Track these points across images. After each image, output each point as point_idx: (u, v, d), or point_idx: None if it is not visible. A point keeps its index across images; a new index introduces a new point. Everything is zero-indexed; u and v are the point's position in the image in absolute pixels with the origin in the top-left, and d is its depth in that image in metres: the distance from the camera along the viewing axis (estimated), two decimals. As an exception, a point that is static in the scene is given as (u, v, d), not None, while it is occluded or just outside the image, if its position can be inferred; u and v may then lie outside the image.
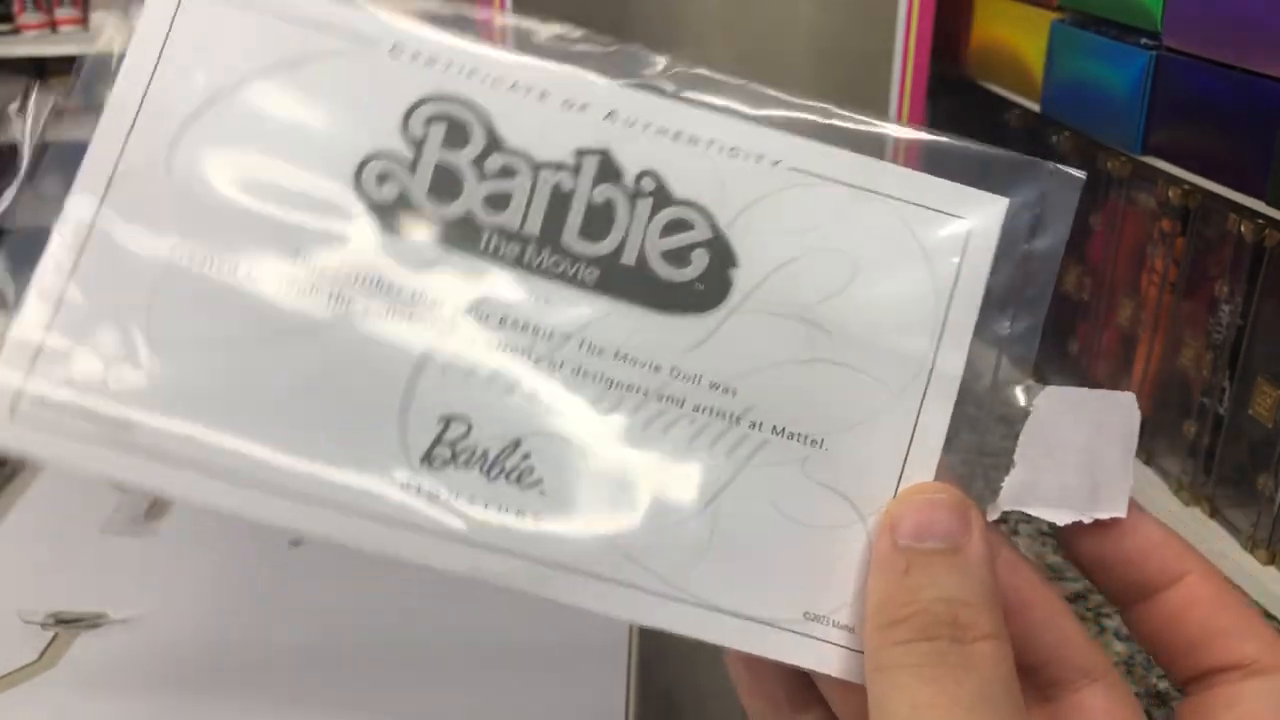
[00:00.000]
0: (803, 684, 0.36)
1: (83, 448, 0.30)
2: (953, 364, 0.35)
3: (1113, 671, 0.34)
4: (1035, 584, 0.34)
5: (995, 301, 0.36)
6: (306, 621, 0.71)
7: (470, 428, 0.31)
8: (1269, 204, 1.57)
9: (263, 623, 0.72)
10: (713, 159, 0.33)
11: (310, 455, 0.31)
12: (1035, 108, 2.10)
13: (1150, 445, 1.97)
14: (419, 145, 0.32)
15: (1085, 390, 0.35)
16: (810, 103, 0.36)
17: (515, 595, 0.32)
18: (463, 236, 0.32)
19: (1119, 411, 0.35)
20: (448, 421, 0.31)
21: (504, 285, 0.32)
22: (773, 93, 0.36)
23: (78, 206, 0.35)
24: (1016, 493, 0.34)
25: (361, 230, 0.32)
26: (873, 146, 0.35)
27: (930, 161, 0.36)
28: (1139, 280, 1.98)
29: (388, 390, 0.31)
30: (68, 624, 0.71)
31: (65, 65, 2.85)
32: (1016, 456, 0.34)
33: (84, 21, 2.80)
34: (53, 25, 2.82)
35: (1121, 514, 0.33)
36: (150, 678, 0.68)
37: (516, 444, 0.31)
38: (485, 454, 0.31)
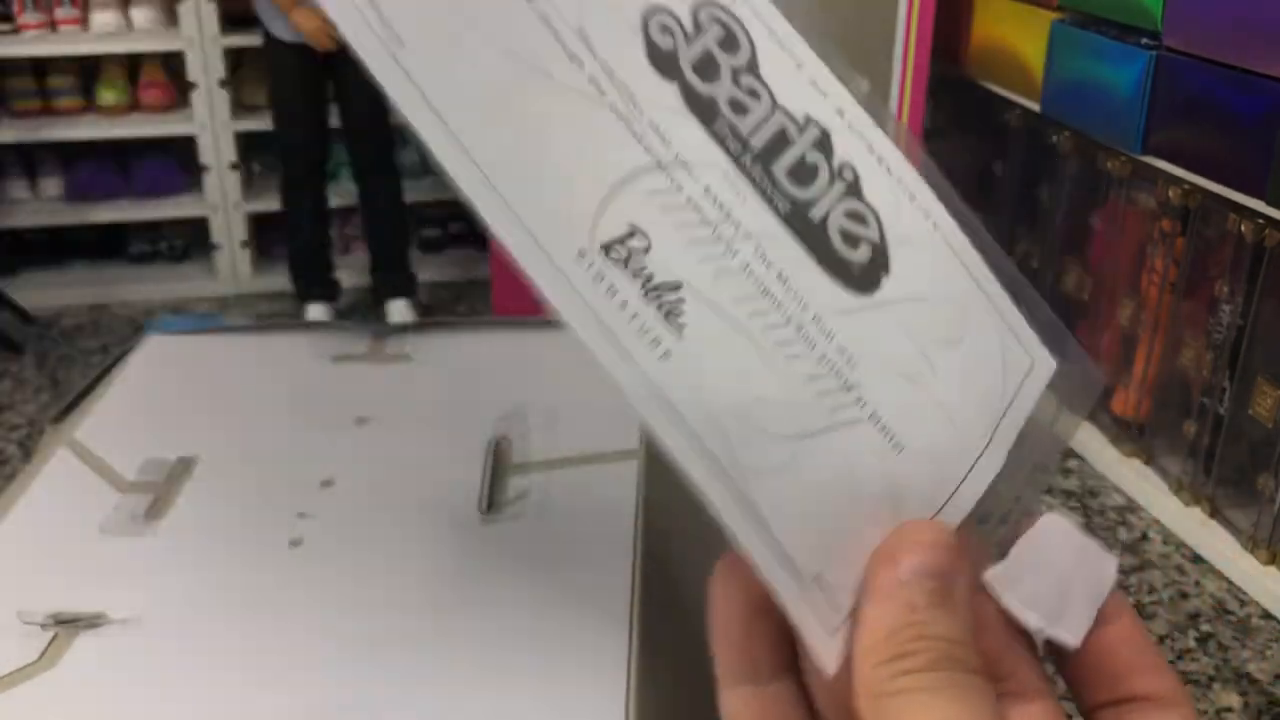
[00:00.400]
0: (785, 651, 0.37)
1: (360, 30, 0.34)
2: (998, 456, 0.38)
3: (1053, 693, 0.36)
4: (999, 610, 0.37)
5: (1030, 432, 0.39)
6: (306, 620, 0.71)
7: (650, 247, 0.34)
8: (1269, 204, 1.57)
9: (262, 622, 0.71)
10: (895, 190, 0.39)
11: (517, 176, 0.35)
12: (1035, 107, 2.10)
13: (1150, 445, 1.98)
14: (699, 27, 0.37)
15: (1082, 534, 0.37)
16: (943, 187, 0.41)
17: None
18: (705, 109, 0.36)
19: (1102, 566, 0.37)
20: (635, 230, 0.34)
21: (719, 164, 0.36)
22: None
23: None
24: (999, 580, 0.37)
25: (634, 52, 0.36)
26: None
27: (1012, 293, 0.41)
28: (1139, 280, 1.98)
29: (603, 176, 0.34)
30: (67, 624, 0.71)
31: (66, 65, 2.86)
32: (1011, 551, 0.37)
33: (83, 21, 2.80)
34: (52, 25, 2.82)
35: (1075, 645, 0.36)
36: (150, 677, 0.68)
37: (678, 286, 0.34)
38: (651, 276, 0.34)
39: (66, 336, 2.62)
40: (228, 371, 1.10)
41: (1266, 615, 1.65)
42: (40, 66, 2.80)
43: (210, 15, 2.59)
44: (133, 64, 2.81)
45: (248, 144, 2.83)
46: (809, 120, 0.38)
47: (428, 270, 2.83)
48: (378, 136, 2.40)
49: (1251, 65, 1.58)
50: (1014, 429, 0.39)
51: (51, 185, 2.81)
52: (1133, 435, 1.96)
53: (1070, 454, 2.06)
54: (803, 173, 0.37)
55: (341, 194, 2.68)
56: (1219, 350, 1.73)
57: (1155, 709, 0.34)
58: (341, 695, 0.66)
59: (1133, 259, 1.92)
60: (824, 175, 0.37)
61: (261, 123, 2.61)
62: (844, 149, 0.38)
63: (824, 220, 0.37)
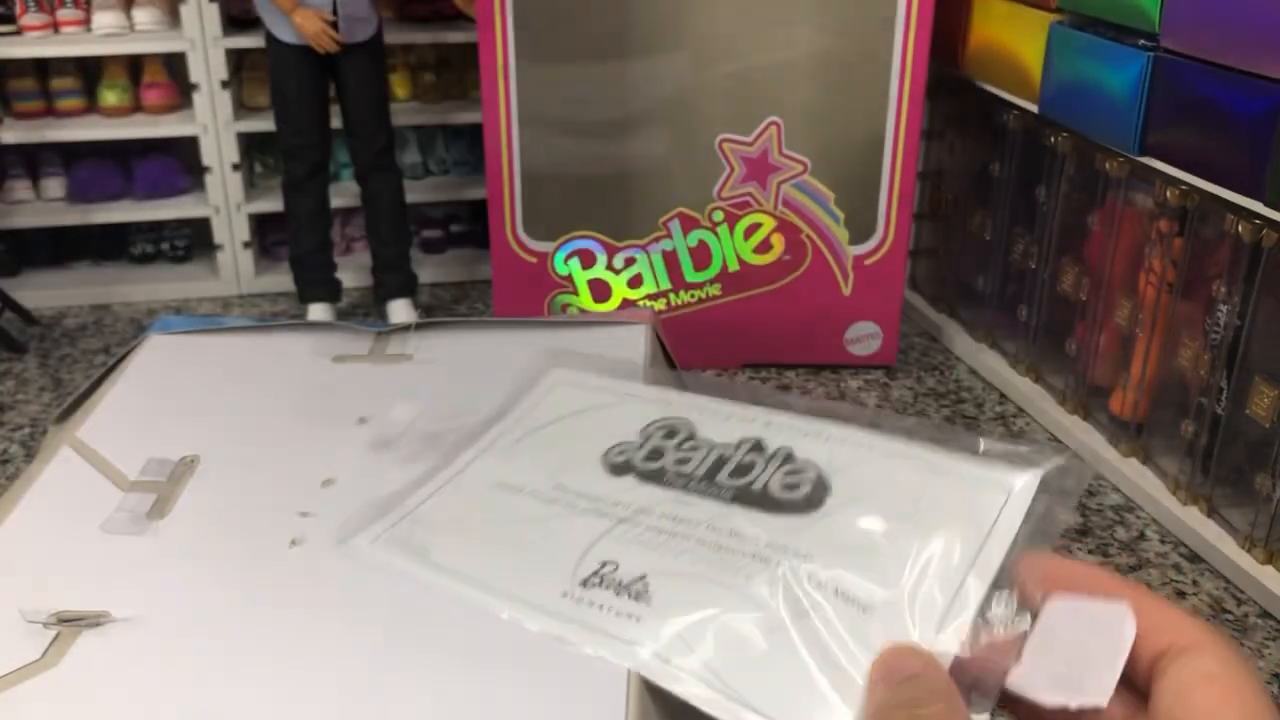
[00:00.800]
0: None
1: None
2: (980, 583, 0.44)
3: (1142, 707, 0.39)
4: None
5: (1020, 542, 0.45)
6: (307, 618, 0.72)
7: (618, 566, 0.47)
8: (1267, 204, 1.58)
9: (263, 620, 0.72)
10: (822, 445, 0.50)
11: (516, 573, 0.50)
12: (1033, 108, 2.11)
13: (1148, 445, 1.99)
14: (647, 437, 0.53)
15: (1085, 600, 0.41)
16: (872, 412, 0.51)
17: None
18: (655, 477, 0.51)
19: (1114, 617, 0.40)
20: (605, 563, 0.47)
21: (670, 498, 0.49)
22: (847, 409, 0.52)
23: (455, 465, 0.57)
24: (1021, 682, 0.40)
25: (596, 474, 0.52)
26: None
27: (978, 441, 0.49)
28: (1137, 280, 1.99)
29: (579, 545, 0.49)
30: (70, 623, 0.72)
31: (67, 65, 2.86)
32: (1024, 654, 0.40)
33: (86, 23, 2.80)
34: (55, 26, 2.83)
35: (1103, 703, 0.39)
36: (152, 675, 0.68)
37: (642, 577, 0.46)
38: (620, 582, 0.46)
39: (69, 336, 2.63)
40: (230, 371, 1.11)
41: (1264, 614, 1.66)
42: (43, 67, 2.80)
43: (212, 16, 2.60)
44: (135, 65, 2.82)
45: (249, 145, 2.84)
46: (742, 440, 0.51)
47: (428, 271, 2.84)
48: (379, 137, 2.40)
49: (1249, 66, 1.59)
50: (1001, 549, 0.45)
51: (54, 186, 2.82)
52: (1130, 435, 1.97)
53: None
54: (741, 470, 0.50)
55: (343, 194, 2.69)
56: (1216, 350, 1.74)
57: (1170, 663, 0.37)
58: (342, 691, 0.66)
59: (1130, 259, 1.93)
60: (759, 464, 0.50)
61: (263, 124, 2.62)
62: (774, 441, 0.51)
63: (765, 486, 0.48)
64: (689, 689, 0.42)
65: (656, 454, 0.52)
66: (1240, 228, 1.64)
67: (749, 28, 2.16)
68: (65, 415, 1.05)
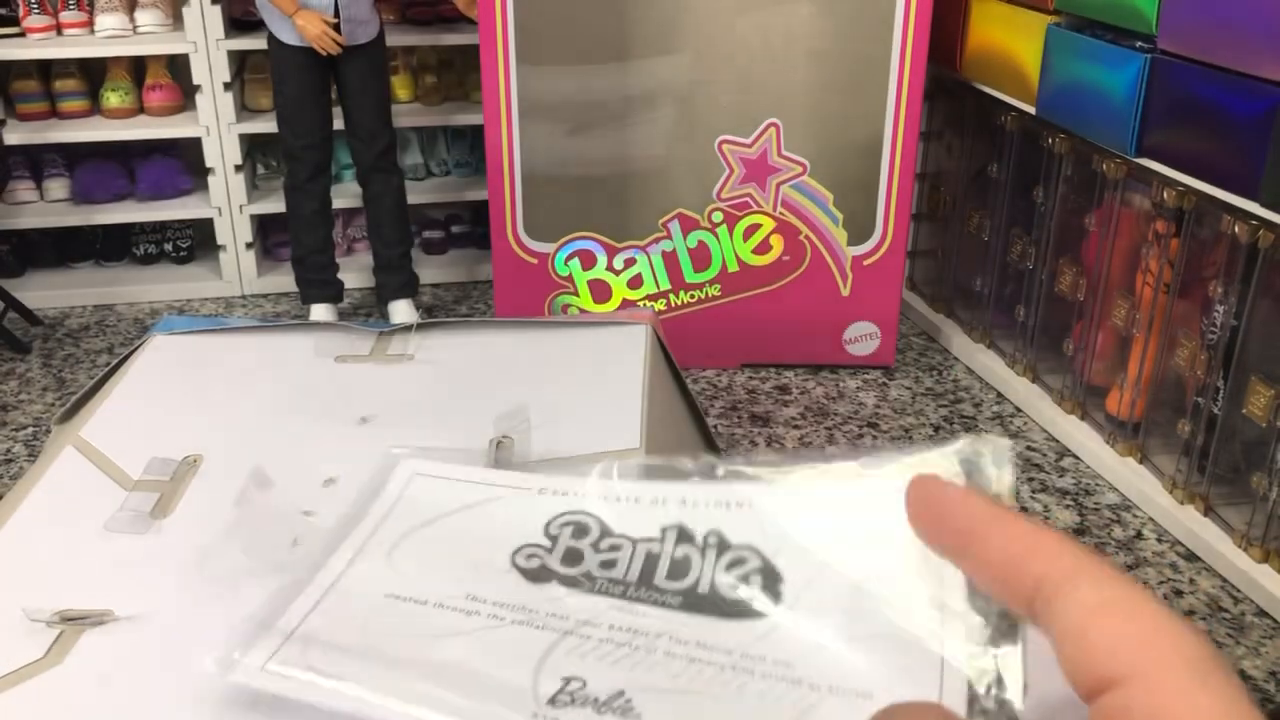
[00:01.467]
0: None
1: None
2: (959, 639, 0.42)
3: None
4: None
5: None
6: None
7: (585, 683, 0.45)
8: (1263, 205, 1.58)
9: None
10: (750, 519, 0.48)
11: (465, 696, 0.46)
12: (1031, 110, 2.12)
13: (1145, 444, 1.99)
14: (553, 538, 0.50)
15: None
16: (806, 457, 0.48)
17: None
18: (582, 582, 0.48)
19: None
20: (569, 680, 0.45)
21: (612, 606, 0.47)
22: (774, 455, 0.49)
23: (330, 571, 0.54)
24: None
25: (512, 582, 0.49)
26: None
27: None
28: (1134, 281, 2.00)
29: (526, 662, 0.46)
30: (73, 622, 0.73)
31: (70, 67, 2.87)
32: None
33: (89, 25, 2.81)
34: (58, 28, 2.84)
35: None
36: (156, 674, 0.69)
37: (621, 693, 0.44)
38: (596, 699, 0.44)
39: (72, 337, 2.64)
40: (232, 371, 1.12)
41: (1261, 613, 1.66)
42: (46, 69, 2.81)
43: (215, 18, 2.61)
44: (138, 67, 2.83)
45: (252, 146, 2.85)
46: (665, 529, 0.49)
47: (430, 271, 2.85)
48: (381, 139, 2.41)
49: (1245, 68, 1.59)
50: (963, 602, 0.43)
51: (57, 187, 2.82)
52: (1127, 434, 1.98)
53: (1066, 453, 2.07)
54: (678, 569, 0.48)
55: (345, 195, 2.70)
56: (1213, 350, 1.74)
57: (1065, 590, 0.32)
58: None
59: (1128, 260, 1.94)
60: (695, 557, 0.47)
61: (266, 125, 2.63)
62: (699, 523, 0.49)
63: (712, 586, 0.46)
64: None
65: (575, 556, 0.49)
66: (1236, 228, 1.65)
67: (748, 30, 2.17)
68: (68, 415, 1.06)
